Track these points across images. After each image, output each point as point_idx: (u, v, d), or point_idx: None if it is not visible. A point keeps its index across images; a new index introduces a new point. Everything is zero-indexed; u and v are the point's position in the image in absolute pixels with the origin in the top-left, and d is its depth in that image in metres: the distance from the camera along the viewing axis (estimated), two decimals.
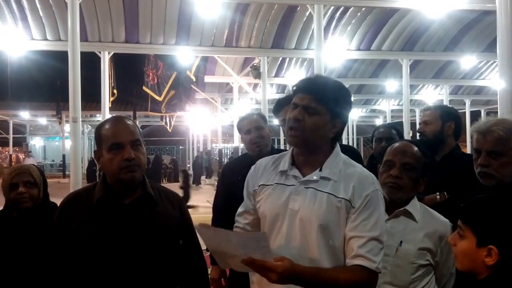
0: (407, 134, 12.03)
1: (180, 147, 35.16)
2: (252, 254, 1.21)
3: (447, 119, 2.43)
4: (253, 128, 2.57)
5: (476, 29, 11.89)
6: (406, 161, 1.68)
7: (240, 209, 1.57)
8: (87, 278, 1.51)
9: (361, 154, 2.98)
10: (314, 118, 1.39)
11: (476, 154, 1.70)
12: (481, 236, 1.17)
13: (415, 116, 21.60)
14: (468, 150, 16.62)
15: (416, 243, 1.63)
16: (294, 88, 1.47)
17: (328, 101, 1.40)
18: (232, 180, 2.47)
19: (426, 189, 1.79)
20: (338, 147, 1.48)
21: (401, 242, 1.63)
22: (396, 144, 1.77)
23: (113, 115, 1.87)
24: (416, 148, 1.73)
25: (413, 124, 18.91)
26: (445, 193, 2.15)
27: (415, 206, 1.70)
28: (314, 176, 1.42)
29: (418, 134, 2.53)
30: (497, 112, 4.67)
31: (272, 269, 1.22)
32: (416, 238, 1.64)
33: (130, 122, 1.59)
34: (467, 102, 19.40)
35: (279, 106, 2.53)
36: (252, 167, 1.58)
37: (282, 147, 13.59)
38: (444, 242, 1.62)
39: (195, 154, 26.38)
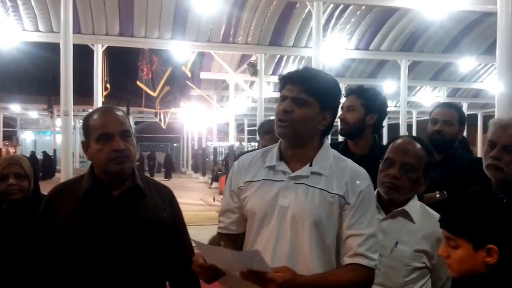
0: None
1: (174, 144, 34.91)
2: (250, 268, 1.19)
3: (462, 123, 2.38)
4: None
5: (476, 31, 11.84)
6: (407, 161, 1.60)
7: (222, 208, 1.53)
8: (74, 271, 1.48)
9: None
10: (303, 109, 1.37)
11: (490, 146, 1.67)
12: (477, 241, 1.16)
13: (412, 118, 21.59)
14: None
15: (412, 244, 1.57)
16: (282, 79, 1.43)
17: (317, 92, 1.37)
18: None
19: (426, 188, 1.72)
20: (327, 142, 1.47)
21: (396, 243, 1.58)
22: (399, 141, 1.68)
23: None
24: (419, 146, 1.63)
25: (409, 126, 18.82)
26: (444, 192, 2.10)
27: (414, 206, 1.63)
28: (305, 171, 1.39)
29: (432, 132, 2.36)
30: (494, 115, 4.62)
31: (272, 280, 1.19)
32: (412, 240, 1.58)
33: (119, 113, 1.55)
34: (465, 105, 19.39)
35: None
36: (235, 163, 1.53)
37: None
38: None
39: (190, 151, 26.24)
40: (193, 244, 1.26)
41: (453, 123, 2.34)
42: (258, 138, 2.81)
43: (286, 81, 1.41)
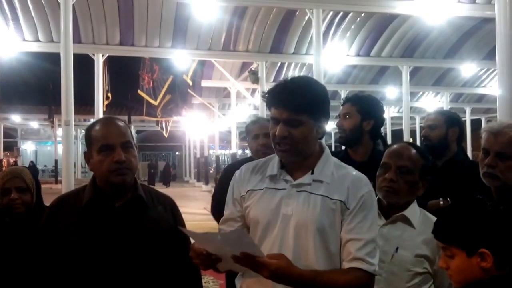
0: None
1: (177, 153, 34.90)
2: (241, 250, 1.17)
3: (452, 125, 2.42)
4: (261, 134, 2.57)
5: (476, 37, 11.83)
6: (402, 164, 1.64)
7: (224, 216, 1.52)
8: (76, 283, 1.47)
9: None
10: (299, 129, 1.36)
11: (484, 154, 1.68)
12: (467, 247, 1.17)
13: (415, 124, 21.49)
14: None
15: (412, 249, 1.58)
16: (266, 99, 1.40)
17: (306, 108, 1.35)
18: None
19: (428, 195, 1.75)
20: (328, 150, 1.47)
21: (397, 248, 1.59)
22: (394, 146, 1.73)
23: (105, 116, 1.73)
24: (414, 151, 1.67)
25: (413, 132, 18.70)
26: (448, 199, 2.10)
27: (414, 211, 1.65)
28: (307, 179, 1.39)
29: (422, 138, 2.49)
30: (497, 120, 4.61)
31: (265, 265, 1.18)
32: (413, 245, 1.59)
33: (121, 123, 1.56)
34: (468, 110, 19.33)
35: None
36: (237, 172, 1.53)
37: None
38: None
39: (193, 160, 26.18)
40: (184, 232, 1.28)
41: (437, 126, 2.40)
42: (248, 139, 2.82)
43: (271, 102, 1.39)
